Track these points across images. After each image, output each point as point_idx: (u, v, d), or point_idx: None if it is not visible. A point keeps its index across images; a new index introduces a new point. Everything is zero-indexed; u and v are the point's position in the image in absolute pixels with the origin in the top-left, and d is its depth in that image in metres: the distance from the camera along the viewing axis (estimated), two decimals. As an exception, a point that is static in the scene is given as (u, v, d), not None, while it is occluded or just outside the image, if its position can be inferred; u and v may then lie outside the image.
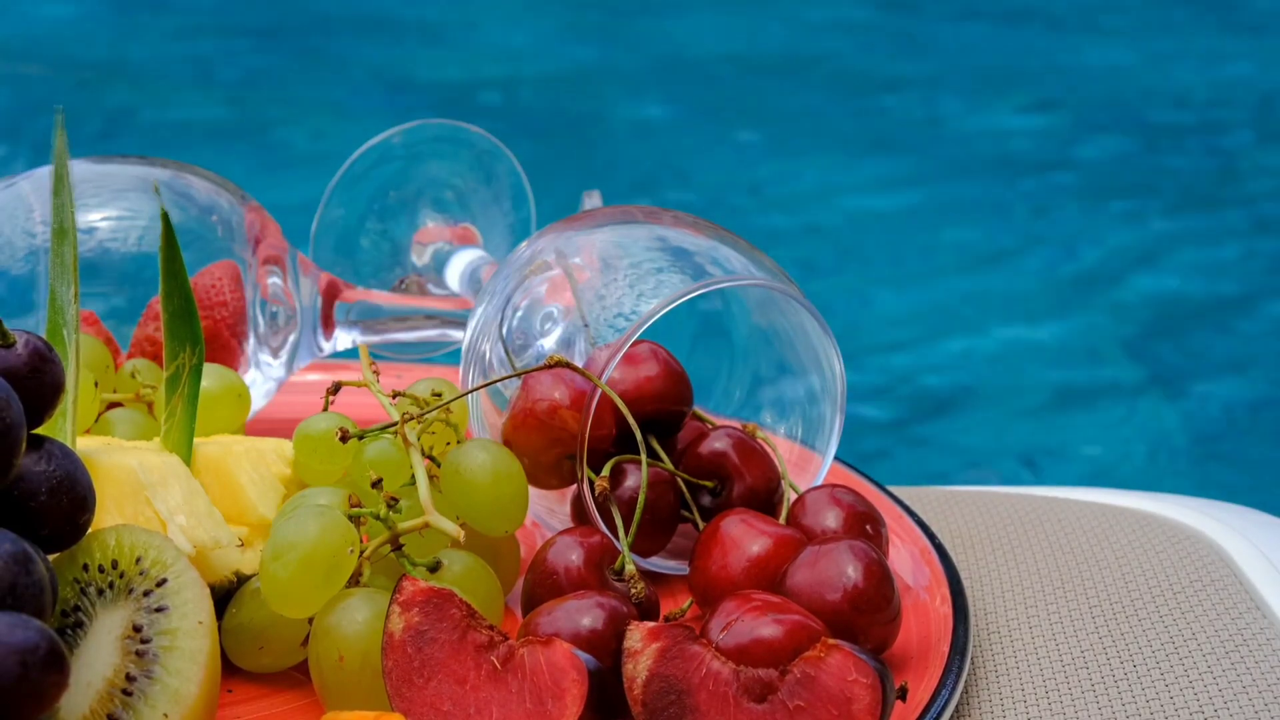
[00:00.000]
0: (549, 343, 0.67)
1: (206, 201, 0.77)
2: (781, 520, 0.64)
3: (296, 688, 0.60)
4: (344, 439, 0.63)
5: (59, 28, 3.80)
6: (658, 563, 0.68)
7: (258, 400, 0.78)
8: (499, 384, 0.67)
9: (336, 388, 0.67)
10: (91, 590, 0.52)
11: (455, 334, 0.83)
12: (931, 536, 0.68)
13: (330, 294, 0.81)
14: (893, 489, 0.74)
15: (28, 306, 0.73)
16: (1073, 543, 0.72)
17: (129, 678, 0.51)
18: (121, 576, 0.52)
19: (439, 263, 0.87)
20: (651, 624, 0.54)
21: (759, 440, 0.68)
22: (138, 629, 0.51)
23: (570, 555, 0.61)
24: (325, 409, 0.67)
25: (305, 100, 3.41)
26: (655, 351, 0.68)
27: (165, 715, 0.50)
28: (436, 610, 0.55)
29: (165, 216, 0.62)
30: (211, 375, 0.69)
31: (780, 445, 0.71)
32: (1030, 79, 3.44)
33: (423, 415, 0.63)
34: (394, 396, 0.65)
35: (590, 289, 0.67)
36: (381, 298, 0.83)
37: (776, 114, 3.31)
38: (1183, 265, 2.56)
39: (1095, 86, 3.42)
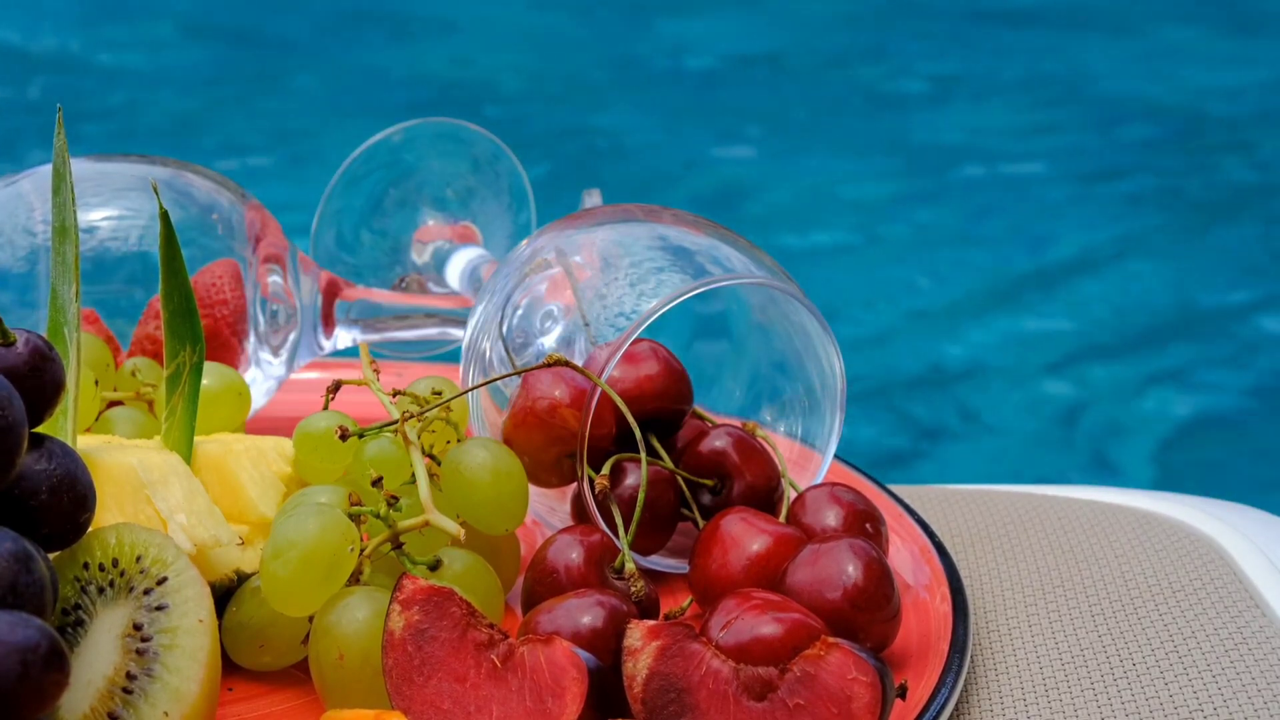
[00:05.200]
0: (549, 341, 0.67)
1: (206, 200, 0.77)
2: (781, 519, 0.65)
3: (297, 686, 0.60)
4: (344, 437, 0.63)
5: (54, 29, 3.80)
6: (658, 561, 0.68)
7: (258, 399, 0.78)
8: (499, 382, 0.67)
9: (337, 386, 0.67)
10: (92, 589, 0.52)
11: (455, 332, 0.83)
12: (931, 535, 0.68)
13: (330, 292, 0.81)
14: (893, 487, 0.74)
15: (29, 305, 0.73)
16: (1073, 542, 0.72)
17: (129, 676, 0.51)
18: (122, 575, 0.52)
19: (439, 261, 0.87)
20: (651, 622, 0.54)
21: (759, 439, 0.68)
22: (138, 627, 0.51)
23: (570, 553, 0.61)
24: (325, 407, 0.67)
25: (304, 99, 3.41)
26: (655, 350, 0.68)
27: (166, 713, 0.50)
28: (437, 609, 0.55)
29: (165, 215, 0.62)
30: (212, 373, 0.69)
31: (780, 443, 0.71)
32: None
33: (423, 414, 0.63)
34: (394, 395, 0.65)
35: (590, 287, 0.67)
36: (382, 296, 0.83)
37: (777, 116, 3.31)
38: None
39: (1101, 87, 3.42)
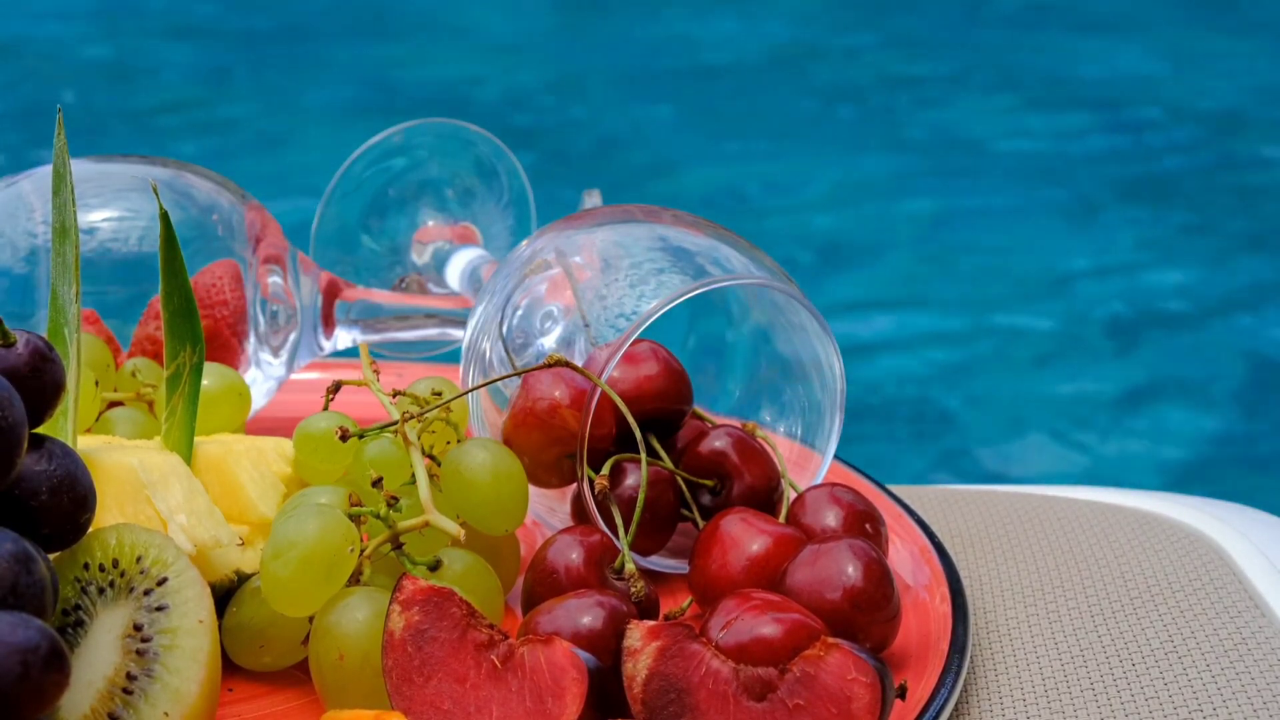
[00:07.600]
0: (549, 342, 0.67)
1: (207, 201, 0.77)
2: (781, 519, 0.65)
3: (297, 686, 0.60)
4: (344, 438, 0.63)
5: (49, 27, 3.80)
6: (657, 561, 0.68)
7: (258, 399, 0.78)
8: (499, 383, 0.67)
9: (337, 387, 0.67)
10: (92, 589, 0.52)
11: (455, 333, 0.83)
12: (931, 535, 0.68)
13: (331, 293, 0.81)
14: (892, 488, 0.74)
15: (29, 306, 0.73)
16: (1073, 543, 0.72)
17: (130, 676, 0.51)
18: (122, 575, 0.52)
19: (439, 261, 0.87)
20: (651, 623, 0.54)
21: (759, 439, 0.68)
22: (138, 628, 0.51)
23: (570, 554, 0.61)
24: (325, 408, 0.67)
25: (304, 100, 3.41)
26: (655, 350, 0.68)
27: (166, 714, 0.50)
28: (437, 609, 0.55)
29: (165, 216, 0.62)
30: (212, 374, 0.69)
31: (780, 444, 0.71)
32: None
33: (423, 414, 0.63)
34: (394, 395, 0.65)
35: (591, 288, 0.67)
36: (382, 296, 0.83)
37: (776, 116, 3.31)
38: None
39: (1105, 89, 3.42)
